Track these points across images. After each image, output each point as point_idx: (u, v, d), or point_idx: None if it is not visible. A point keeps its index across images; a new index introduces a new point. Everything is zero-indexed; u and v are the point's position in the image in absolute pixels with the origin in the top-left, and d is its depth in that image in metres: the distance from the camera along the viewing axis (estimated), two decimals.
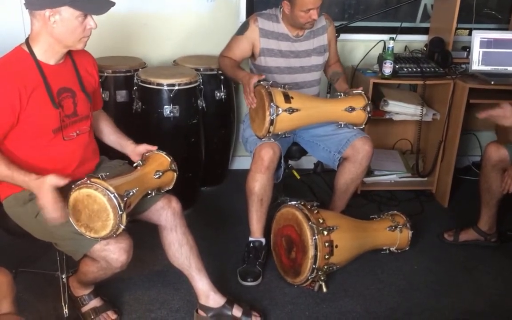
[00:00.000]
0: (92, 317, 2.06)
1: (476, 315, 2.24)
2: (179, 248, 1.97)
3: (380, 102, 3.01)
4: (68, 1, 1.63)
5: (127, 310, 2.18)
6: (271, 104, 2.19)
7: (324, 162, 2.70)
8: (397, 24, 3.28)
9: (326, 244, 2.19)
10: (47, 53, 1.73)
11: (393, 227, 2.53)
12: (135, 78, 2.75)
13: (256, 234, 2.44)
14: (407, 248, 2.60)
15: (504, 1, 3.60)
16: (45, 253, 2.33)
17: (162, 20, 3.20)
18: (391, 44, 2.86)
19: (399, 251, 2.59)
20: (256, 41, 2.53)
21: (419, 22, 3.54)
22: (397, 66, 2.92)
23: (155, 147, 2.00)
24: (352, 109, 2.40)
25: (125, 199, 1.64)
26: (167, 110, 2.67)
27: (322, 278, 2.23)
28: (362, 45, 3.27)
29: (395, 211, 2.65)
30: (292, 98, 2.26)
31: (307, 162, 3.32)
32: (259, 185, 2.34)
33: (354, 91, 2.49)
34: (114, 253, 1.73)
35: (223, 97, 3.01)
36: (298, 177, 3.13)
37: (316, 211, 2.28)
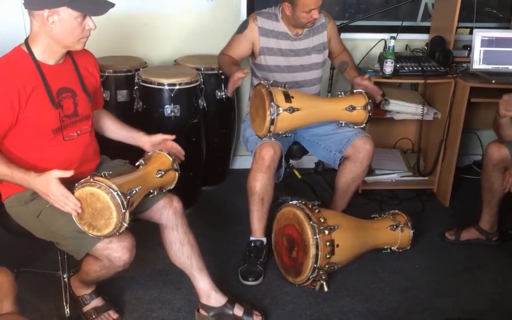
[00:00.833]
0: (94, 316, 2.06)
1: (477, 314, 2.24)
2: (181, 247, 1.98)
3: (381, 101, 3.01)
4: (66, 1, 1.63)
5: (129, 309, 2.18)
6: (272, 103, 2.18)
7: (325, 162, 2.71)
8: (398, 23, 3.27)
9: (327, 243, 2.19)
10: (46, 53, 1.73)
11: (394, 226, 2.53)
12: (136, 77, 2.75)
13: (257, 234, 2.44)
14: (408, 247, 2.60)
15: (505, 0, 3.59)
16: (47, 253, 2.32)
17: (162, 19, 3.20)
18: (392, 43, 2.86)
19: (400, 250, 2.59)
20: (255, 40, 2.53)
21: (420, 21, 3.54)
22: (398, 65, 2.92)
23: (172, 136, 2.01)
24: (352, 108, 2.40)
25: (128, 197, 1.65)
26: (168, 109, 2.67)
27: (323, 277, 2.23)
28: (363, 44, 3.27)
29: (396, 210, 2.65)
30: (292, 97, 2.26)
31: (308, 162, 3.32)
32: (260, 184, 2.33)
33: (355, 90, 2.49)
34: (117, 252, 1.73)
35: (223, 96, 3.01)
36: (299, 177, 3.13)
37: (317, 210, 2.28)
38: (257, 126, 2.34)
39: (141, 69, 2.86)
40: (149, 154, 1.99)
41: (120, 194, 1.61)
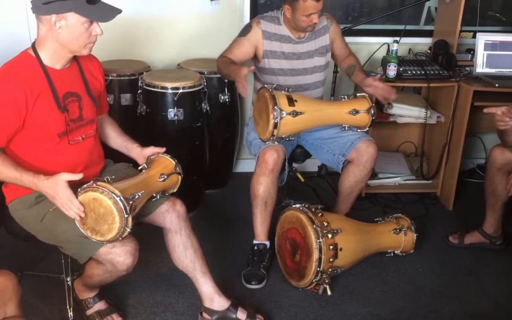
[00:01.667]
0: None
1: (481, 318, 2.23)
2: (184, 250, 1.98)
3: (384, 104, 3.01)
4: (74, 7, 1.64)
5: (132, 313, 2.18)
6: (275, 107, 2.19)
7: (328, 165, 2.70)
8: (401, 27, 3.28)
9: (331, 247, 2.19)
10: (53, 57, 1.74)
11: (398, 230, 2.52)
12: (139, 81, 2.76)
13: (261, 237, 2.44)
14: (411, 251, 2.59)
15: (508, 4, 3.59)
16: (50, 256, 2.33)
17: (166, 23, 3.21)
18: (395, 46, 2.86)
19: (403, 254, 2.58)
20: (259, 43, 2.53)
21: (423, 24, 3.54)
22: (401, 69, 2.91)
23: (162, 149, 2.00)
24: (356, 111, 2.40)
25: (130, 202, 1.65)
26: (172, 113, 2.68)
27: (327, 281, 2.23)
28: (366, 48, 3.27)
29: (400, 214, 2.65)
30: (296, 101, 2.26)
31: (311, 165, 3.32)
32: (263, 188, 2.34)
33: (358, 94, 2.48)
34: (120, 256, 1.73)
35: (227, 100, 3.01)
36: (302, 180, 3.13)
37: (320, 214, 2.28)
38: (260, 130, 2.35)
39: (144, 73, 2.87)
40: (152, 157, 1.99)
41: (122, 199, 1.61)
